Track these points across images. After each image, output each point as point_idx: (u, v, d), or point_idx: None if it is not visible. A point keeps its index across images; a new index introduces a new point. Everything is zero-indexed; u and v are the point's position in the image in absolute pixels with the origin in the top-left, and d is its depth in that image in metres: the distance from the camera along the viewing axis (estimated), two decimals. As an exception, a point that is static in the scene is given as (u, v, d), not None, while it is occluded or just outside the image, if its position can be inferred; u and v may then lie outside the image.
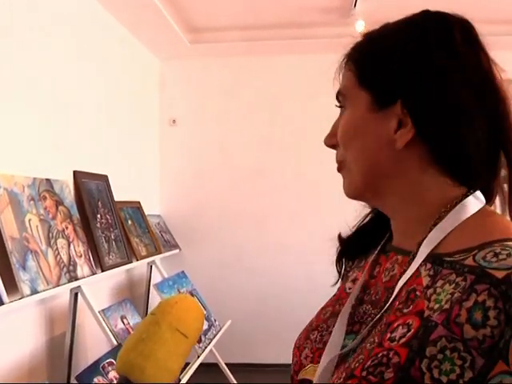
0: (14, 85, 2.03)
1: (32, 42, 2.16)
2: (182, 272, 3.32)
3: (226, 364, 3.35)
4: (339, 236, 0.81)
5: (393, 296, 0.59)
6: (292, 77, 3.93)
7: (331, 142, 0.71)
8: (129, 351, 0.61)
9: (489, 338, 0.47)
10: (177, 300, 0.67)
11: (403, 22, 0.66)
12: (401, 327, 0.53)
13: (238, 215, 3.95)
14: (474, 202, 0.61)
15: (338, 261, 0.81)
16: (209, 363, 3.16)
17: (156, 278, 3.33)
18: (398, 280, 0.60)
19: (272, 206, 3.93)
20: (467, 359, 0.47)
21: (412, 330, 0.51)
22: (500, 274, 0.49)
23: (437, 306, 0.52)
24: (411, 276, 0.59)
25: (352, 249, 0.79)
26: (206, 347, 2.90)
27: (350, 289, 0.74)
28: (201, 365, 2.76)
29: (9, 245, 1.78)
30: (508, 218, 0.63)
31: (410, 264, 0.60)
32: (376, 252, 0.73)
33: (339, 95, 0.70)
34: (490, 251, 0.53)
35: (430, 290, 0.54)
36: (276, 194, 3.93)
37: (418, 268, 0.59)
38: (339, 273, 0.81)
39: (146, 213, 3.45)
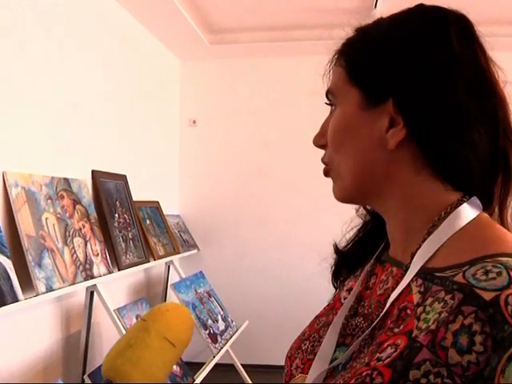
0: (34, 84, 2.06)
1: (50, 42, 2.19)
2: (200, 272, 3.33)
3: (242, 365, 3.35)
4: (335, 247, 0.77)
5: (383, 312, 0.56)
6: (313, 78, 3.90)
7: (320, 141, 0.68)
8: (116, 356, 0.62)
9: (473, 365, 0.43)
10: (168, 308, 0.68)
11: (397, 16, 0.63)
12: (389, 348, 0.50)
13: (258, 216, 3.94)
14: (469, 209, 0.57)
15: (335, 274, 0.77)
16: (225, 364, 3.16)
17: (174, 278, 3.34)
18: (391, 294, 0.58)
19: (293, 206, 3.90)
20: None
21: (398, 351, 0.48)
22: (488, 296, 0.45)
23: (425, 325, 0.49)
24: (403, 291, 0.56)
25: (350, 261, 0.75)
26: (222, 347, 2.90)
27: (344, 299, 0.71)
28: (216, 365, 2.77)
29: (25, 243, 1.80)
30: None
31: (402, 278, 0.58)
32: (372, 261, 0.70)
33: (329, 93, 0.67)
34: (481, 268, 0.49)
35: (420, 309, 0.51)
36: (297, 194, 3.90)
37: (409, 283, 0.56)
38: (335, 287, 0.77)
39: (165, 213, 3.47)
